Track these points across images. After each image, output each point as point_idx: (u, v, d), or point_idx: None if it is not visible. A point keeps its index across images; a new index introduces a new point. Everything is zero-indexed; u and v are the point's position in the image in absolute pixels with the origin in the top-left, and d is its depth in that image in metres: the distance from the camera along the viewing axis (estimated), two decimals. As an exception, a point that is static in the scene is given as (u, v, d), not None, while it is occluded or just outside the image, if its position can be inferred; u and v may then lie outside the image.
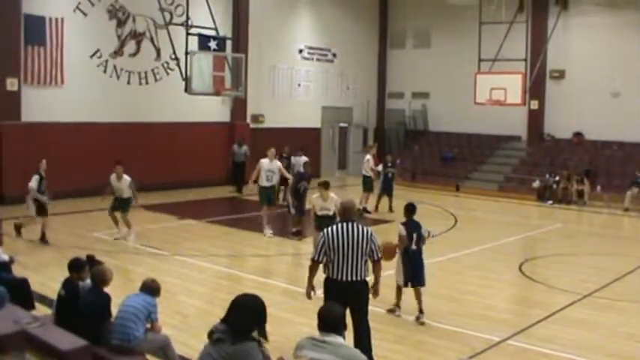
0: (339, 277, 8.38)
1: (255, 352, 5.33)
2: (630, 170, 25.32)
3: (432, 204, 24.36)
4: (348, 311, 8.04)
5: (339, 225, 8.51)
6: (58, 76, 22.50)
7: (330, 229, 8.53)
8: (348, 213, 8.70)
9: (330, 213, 14.48)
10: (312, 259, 8.60)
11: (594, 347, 10.08)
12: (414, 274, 11.12)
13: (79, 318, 7.81)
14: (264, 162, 17.95)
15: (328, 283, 8.52)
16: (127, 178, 16.92)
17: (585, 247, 18.34)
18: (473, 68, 25.97)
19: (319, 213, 14.54)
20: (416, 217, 11.42)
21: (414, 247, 11.17)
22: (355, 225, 8.49)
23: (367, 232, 8.51)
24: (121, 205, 17.09)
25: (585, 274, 14.94)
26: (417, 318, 11.19)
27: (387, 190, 22.16)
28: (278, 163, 18.52)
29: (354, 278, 8.38)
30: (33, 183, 15.95)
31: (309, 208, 17.95)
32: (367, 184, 22.34)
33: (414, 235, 11.21)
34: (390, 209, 21.84)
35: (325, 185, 14.74)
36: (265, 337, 5.57)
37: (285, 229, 18.34)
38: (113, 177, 16.99)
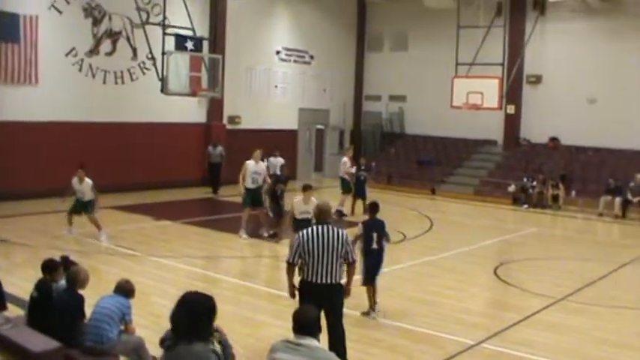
0: (314, 280, 8.36)
1: (205, 354, 5.09)
2: (605, 176, 25.48)
3: (407, 207, 24.41)
4: (322, 314, 8.05)
5: (315, 228, 8.50)
6: (32, 74, 22.26)
7: (305, 231, 8.51)
8: (323, 215, 8.69)
9: (310, 216, 14.41)
10: (287, 262, 8.59)
11: (568, 351, 10.13)
12: (372, 273, 11.14)
13: (52, 319, 7.72)
14: (250, 164, 17.85)
15: (303, 286, 8.48)
16: (88, 181, 16.80)
17: (560, 252, 18.44)
18: (450, 72, 26.02)
19: (299, 217, 14.36)
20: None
21: (374, 246, 11.22)
22: (330, 227, 8.48)
23: (342, 234, 8.50)
24: (83, 207, 16.94)
25: (559, 278, 15.02)
26: (368, 313, 11.28)
27: (359, 194, 22.13)
28: (263, 165, 18.50)
29: (329, 281, 8.36)
30: None
31: (285, 210, 17.97)
32: (345, 187, 22.36)
33: (374, 235, 11.23)
34: (365, 211, 21.77)
35: (308, 188, 14.70)
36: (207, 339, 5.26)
37: (260, 231, 18.22)
38: (75, 180, 16.86)
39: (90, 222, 17.02)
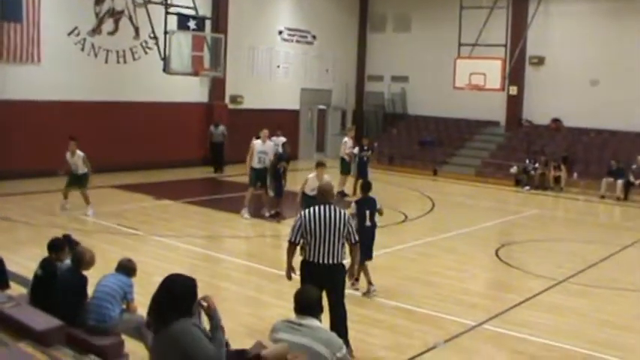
0: (316, 260, 8.37)
1: (189, 329, 5.15)
2: (607, 158, 25.44)
3: (409, 188, 24.42)
4: (324, 294, 8.09)
5: (317, 207, 8.50)
6: (34, 53, 22.20)
7: (307, 211, 8.53)
8: (325, 195, 8.70)
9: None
10: (289, 241, 8.59)
11: (569, 332, 10.16)
12: (366, 250, 11.09)
13: (55, 298, 7.74)
14: (257, 143, 17.82)
15: (305, 266, 8.49)
16: (80, 153, 17.08)
17: (561, 234, 18.47)
18: (453, 53, 26.01)
19: (310, 193, 14.37)
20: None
21: (368, 223, 11.35)
22: (332, 207, 8.49)
23: (344, 214, 8.51)
24: (77, 180, 17.19)
25: (561, 260, 15.04)
26: (368, 292, 11.36)
27: (362, 174, 22.00)
28: (271, 144, 18.48)
29: (330, 261, 8.36)
30: None
31: (287, 190, 18.00)
32: (345, 167, 22.34)
33: (367, 212, 11.34)
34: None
35: (322, 165, 14.69)
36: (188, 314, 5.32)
37: (262, 211, 18.23)
38: (68, 154, 17.11)
39: (80, 196, 17.21)
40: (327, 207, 8.47)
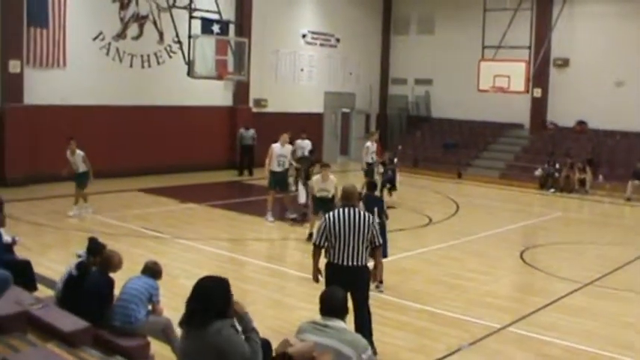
0: (340, 262, 8.39)
1: (226, 330, 5.25)
2: (633, 160, 25.26)
3: (433, 190, 24.37)
4: (349, 296, 8.12)
5: (340, 210, 8.53)
6: (60, 58, 22.41)
7: (331, 214, 8.55)
8: (349, 198, 8.73)
9: (329, 195, 14.71)
10: (314, 244, 8.64)
11: (594, 335, 10.11)
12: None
13: (83, 300, 7.82)
14: (276, 147, 17.82)
15: (329, 268, 8.52)
16: (79, 152, 17.32)
17: (587, 236, 18.34)
18: (477, 55, 25.95)
19: (318, 194, 14.60)
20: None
21: (377, 220, 11.17)
22: (356, 210, 8.53)
23: (368, 217, 8.54)
24: (78, 179, 17.42)
25: (586, 262, 14.98)
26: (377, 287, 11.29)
27: (389, 184, 21.42)
28: (290, 148, 18.54)
29: (354, 263, 8.39)
30: None
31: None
32: (368, 172, 21.97)
33: (375, 209, 11.46)
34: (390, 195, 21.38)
35: (326, 166, 14.84)
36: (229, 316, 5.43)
37: (286, 214, 18.26)
38: (68, 152, 17.39)
39: (79, 196, 17.53)
40: (352, 209, 8.50)
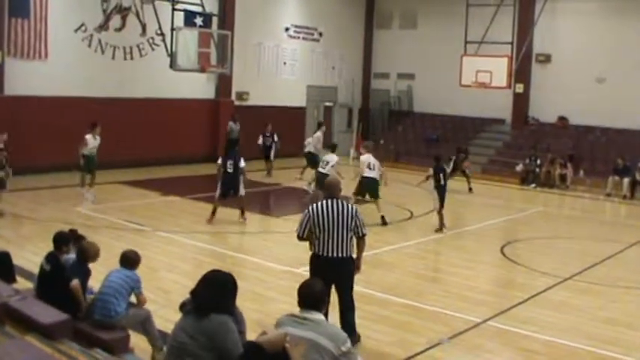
0: (325, 253, 8.47)
1: (226, 325, 5.44)
2: (613, 156, 25.41)
3: (415, 185, 24.37)
4: (333, 288, 8.16)
5: (324, 202, 8.59)
6: (42, 49, 22.27)
7: (314, 205, 8.62)
8: (332, 190, 8.77)
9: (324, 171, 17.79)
10: (297, 236, 8.73)
11: (574, 330, 10.16)
12: (442, 200, 16.42)
13: (61, 291, 7.79)
14: None
15: (314, 259, 8.61)
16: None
17: (567, 231, 18.45)
18: (459, 50, 26.03)
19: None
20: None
21: (442, 182, 16.44)
22: (340, 202, 8.59)
23: (352, 208, 8.63)
24: (94, 162, 19.04)
25: (566, 257, 15.08)
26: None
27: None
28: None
29: (339, 254, 8.46)
30: None
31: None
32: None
33: (441, 175, 16.46)
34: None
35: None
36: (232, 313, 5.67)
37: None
38: (90, 137, 18.97)
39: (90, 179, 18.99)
40: (335, 201, 8.57)
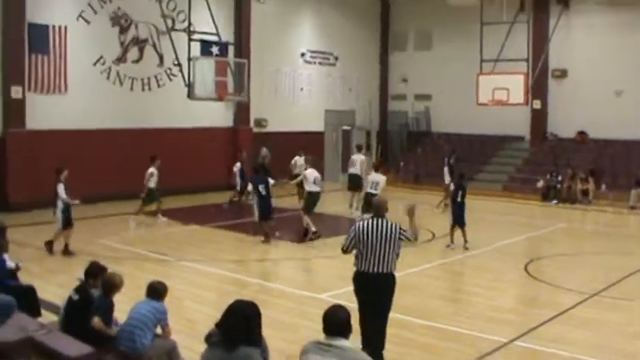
0: (367, 270, 8.68)
1: (252, 358, 5.47)
2: (634, 168, 25.29)
3: (436, 206, 24.32)
4: (360, 308, 8.44)
5: (371, 220, 8.82)
6: (61, 83, 22.56)
7: (361, 223, 8.87)
8: (379, 209, 8.97)
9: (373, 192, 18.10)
10: (342, 249, 9.04)
11: (601, 347, 10.06)
12: (457, 217, 17.09)
13: (88, 324, 7.82)
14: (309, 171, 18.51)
15: (356, 276, 8.84)
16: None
17: (591, 247, 18.33)
18: (475, 69, 26.02)
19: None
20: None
21: (459, 199, 17.11)
22: (386, 221, 8.79)
23: (396, 228, 8.76)
24: (155, 194, 20.35)
25: (591, 273, 14.94)
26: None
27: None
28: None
29: (379, 270, 8.65)
30: (63, 193, 15.89)
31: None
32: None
33: (460, 192, 17.15)
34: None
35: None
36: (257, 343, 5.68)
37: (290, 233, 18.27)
38: (153, 169, 20.43)
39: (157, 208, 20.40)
40: (381, 220, 8.77)
